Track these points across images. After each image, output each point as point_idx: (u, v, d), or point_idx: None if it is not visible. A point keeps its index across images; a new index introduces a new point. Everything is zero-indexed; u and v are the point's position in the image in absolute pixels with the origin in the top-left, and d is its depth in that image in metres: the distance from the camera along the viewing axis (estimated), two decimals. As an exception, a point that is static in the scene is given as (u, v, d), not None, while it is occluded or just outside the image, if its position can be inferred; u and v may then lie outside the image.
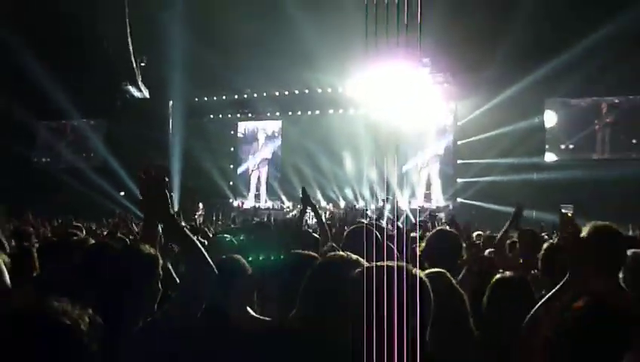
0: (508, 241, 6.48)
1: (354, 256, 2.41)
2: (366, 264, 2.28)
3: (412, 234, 5.49)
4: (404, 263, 2.14)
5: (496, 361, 2.36)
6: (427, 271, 2.69)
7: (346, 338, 2.00)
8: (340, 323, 2.09)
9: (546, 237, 7.29)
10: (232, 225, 15.02)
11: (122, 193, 23.48)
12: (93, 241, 4.42)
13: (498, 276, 3.13)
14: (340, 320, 2.10)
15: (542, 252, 4.30)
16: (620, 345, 2.40)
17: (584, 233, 3.23)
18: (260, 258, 3.50)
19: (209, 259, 2.60)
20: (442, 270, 2.49)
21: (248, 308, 2.95)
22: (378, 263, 2.10)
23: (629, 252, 3.54)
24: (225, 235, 5.60)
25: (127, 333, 2.44)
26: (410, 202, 23.86)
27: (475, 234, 9.12)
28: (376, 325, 1.93)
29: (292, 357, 2.14)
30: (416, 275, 2.11)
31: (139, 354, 2.35)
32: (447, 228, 6.84)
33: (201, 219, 20.69)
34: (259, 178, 27.93)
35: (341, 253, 2.50)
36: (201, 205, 23.47)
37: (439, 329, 2.14)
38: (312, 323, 2.24)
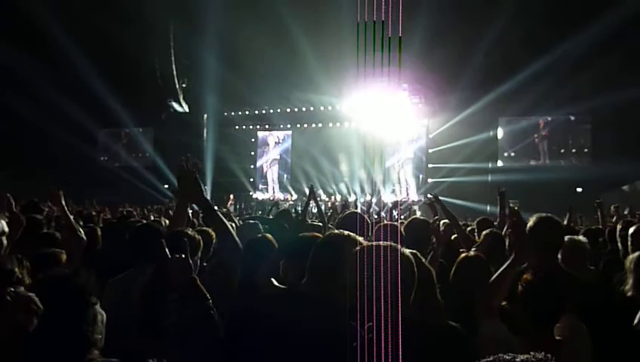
0: (468, 228, 6.43)
1: (345, 232, 2.39)
2: (360, 239, 2.26)
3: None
4: (396, 244, 2.14)
5: (460, 324, 2.32)
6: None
7: (342, 299, 1.99)
8: (337, 286, 2.08)
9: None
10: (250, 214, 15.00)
11: (167, 186, 23.49)
12: (143, 222, 4.40)
13: (463, 255, 3.07)
14: (338, 284, 2.09)
15: (482, 237, 4.25)
16: (558, 307, 2.39)
17: (530, 222, 3.20)
18: (280, 238, 3.48)
19: (235, 236, 2.58)
20: (414, 251, 2.46)
21: (272, 279, 2.93)
22: (375, 243, 2.09)
23: (566, 237, 3.52)
24: (255, 221, 5.58)
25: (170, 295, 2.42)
26: (390, 196, 23.85)
27: (441, 222, 9.05)
28: (369, 289, 1.92)
29: (300, 314, 2.12)
30: (403, 253, 2.10)
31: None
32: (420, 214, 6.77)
33: (232, 208, 20.66)
34: (272, 176, 27.89)
35: (338, 231, 2.48)
36: (232, 196, 23.44)
37: (413, 297, 2.12)
38: (316, 287, 2.23)
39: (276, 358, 2.05)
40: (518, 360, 1.00)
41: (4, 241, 2.74)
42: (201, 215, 6.18)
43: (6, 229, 2.79)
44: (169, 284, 2.29)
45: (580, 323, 2.53)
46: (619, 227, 4.76)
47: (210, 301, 2.20)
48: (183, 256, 2.30)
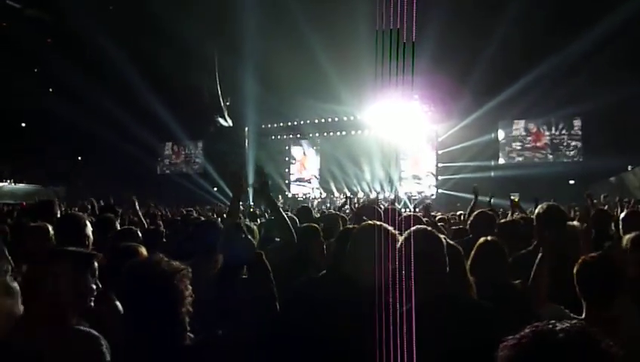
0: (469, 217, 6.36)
1: (377, 222, 2.37)
2: (390, 228, 2.24)
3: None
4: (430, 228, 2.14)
5: (486, 298, 2.29)
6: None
7: (373, 277, 2.00)
8: (370, 267, 2.09)
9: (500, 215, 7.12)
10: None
11: (215, 188, 23.80)
12: (202, 219, 4.49)
13: (482, 239, 2.96)
14: (371, 265, 2.09)
15: (500, 223, 4.23)
16: (615, 287, 2.29)
17: (540, 209, 3.14)
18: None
19: (291, 226, 2.62)
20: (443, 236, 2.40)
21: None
22: (413, 228, 2.09)
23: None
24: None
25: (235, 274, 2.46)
26: (406, 193, 23.70)
27: (451, 213, 8.96)
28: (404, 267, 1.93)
29: (341, 290, 2.13)
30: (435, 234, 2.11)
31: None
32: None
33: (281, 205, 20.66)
34: (304, 177, 27.91)
35: (370, 221, 2.46)
36: (280, 196, 23.47)
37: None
38: (355, 270, 2.24)
39: (322, 330, 2.06)
40: (557, 328, 0.94)
41: (91, 236, 2.85)
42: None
43: (91, 228, 2.89)
44: (239, 262, 2.31)
45: (631, 302, 2.35)
46: (592, 213, 4.76)
47: (272, 274, 2.21)
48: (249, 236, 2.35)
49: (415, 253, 1.91)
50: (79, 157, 27.04)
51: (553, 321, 0.97)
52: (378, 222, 2.30)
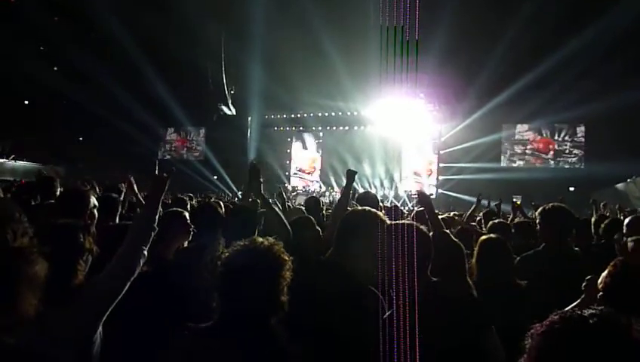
0: (477, 218, 6.37)
1: (365, 208, 2.34)
2: (380, 214, 2.21)
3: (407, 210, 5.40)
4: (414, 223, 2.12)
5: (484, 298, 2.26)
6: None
7: (369, 267, 1.99)
8: (363, 256, 2.07)
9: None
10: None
11: (215, 177, 23.76)
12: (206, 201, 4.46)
13: (483, 237, 2.92)
14: (359, 254, 2.07)
15: (489, 225, 4.26)
16: None
17: (547, 207, 3.10)
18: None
19: (285, 221, 2.62)
20: (447, 230, 2.37)
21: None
22: (398, 222, 2.07)
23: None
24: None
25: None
26: (405, 191, 23.66)
27: (452, 213, 8.93)
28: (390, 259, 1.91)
29: (332, 278, 2.10)
30: (421, 230, 2.09)
31: None
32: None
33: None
34: (306, 170, 27.85)
35: (361, 208, 2.42)
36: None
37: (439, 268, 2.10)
38: (340, 257, 2.21)
39: (308, 318, 2.02)
40: (586, 314, 0.92)
41: (96, 214, 2.79)
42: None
43: (96, 203, 2.84)
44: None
45: None
46: (593, 219, 4.80)
47: None
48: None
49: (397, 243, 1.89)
50: (80, 138, 26.97)
51: (576, 309, 0.94)
52: (366, 208, 2.27)
